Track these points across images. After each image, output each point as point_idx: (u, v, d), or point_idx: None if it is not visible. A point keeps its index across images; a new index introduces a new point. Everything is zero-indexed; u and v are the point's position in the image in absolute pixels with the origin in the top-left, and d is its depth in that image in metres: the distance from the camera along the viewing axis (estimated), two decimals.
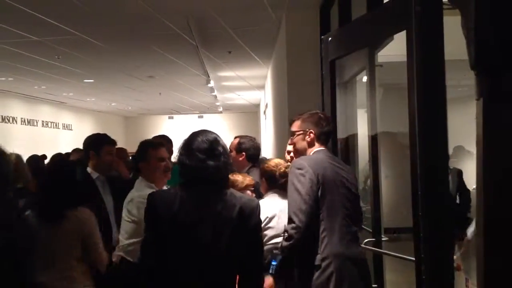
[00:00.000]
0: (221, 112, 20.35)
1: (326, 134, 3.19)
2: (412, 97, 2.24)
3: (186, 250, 2.24)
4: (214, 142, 2.34)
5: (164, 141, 4.35)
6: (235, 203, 2.29)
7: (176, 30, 7.21)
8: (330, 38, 3.09)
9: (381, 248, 3.70)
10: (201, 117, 20.98)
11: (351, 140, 4.69)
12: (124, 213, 3.37)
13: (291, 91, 5.78)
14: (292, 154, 4.70)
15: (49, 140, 15.28)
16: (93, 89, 13.64)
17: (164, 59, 9.42)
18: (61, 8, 6.07)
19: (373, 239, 3.78)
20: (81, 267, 3.14)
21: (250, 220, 2.29)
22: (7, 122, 13.75)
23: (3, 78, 11.34)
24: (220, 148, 2.34)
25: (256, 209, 2.34)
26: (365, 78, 4.40)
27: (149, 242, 2.31)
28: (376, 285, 3.77)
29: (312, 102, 5.52)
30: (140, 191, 3.32)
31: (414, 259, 2.25)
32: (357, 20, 3.32)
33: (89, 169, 4.08)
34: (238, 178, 3.76)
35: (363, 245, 3.47)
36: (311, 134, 3.15)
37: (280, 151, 7.76)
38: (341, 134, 4.84)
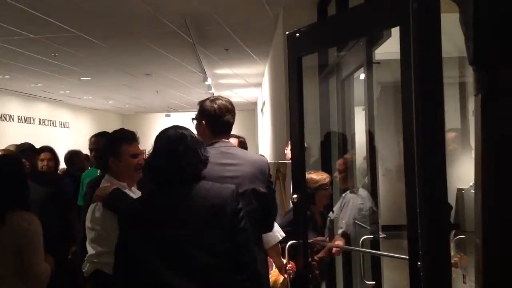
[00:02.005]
0: None
1: (223, 125, 2.77)
2: (407, 94, 2.23)
3: (163, 262, 2.10)
4: (179, 140, 2.22)
5: None
6: (205, 195, 2.18)
7: (173, 28, 7.19)
8: (297, 34, 3.03)
9: (379, 245, 3.69)
10: None
11: (348, 138, 4.69)
12: (87, 218, 2.90)
13: (287, 88, 5.76)
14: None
15: (46, 138, 15.24)
16: (90, 87, 13.61)
17: (161, 56, 9.40)
18: (58, 5, 6.05)
19: (371, 236, 3.78)
20: (16, 280, 2.85)
21: (225, 208, 2.16)
22: (3, 120, 13.71)
23: (0, 76, 11.30)
24: (182, 148, 2.20)
25: (231, 196, 2.19)
26: (362, 76, 4.40)
27: (120, 257, 2.19)
28: (374, 282, 3.77)
29: (309, 99, 5.51)
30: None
31: (407, 257, 2.25)
32: (326, 19, 3.29)
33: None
34: (313, 176, 3.69)
35: (360, 243, 3.48)
36: (202, 125, 2.77)
37: (277, 149, 7.76)
38: (338, 131, 4.83)
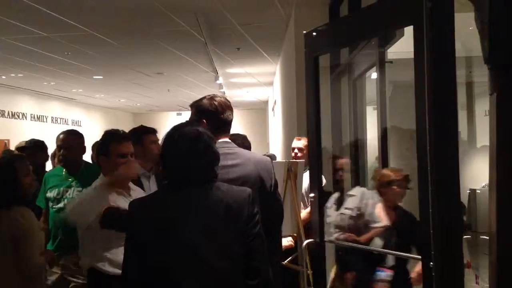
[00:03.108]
0: None
1: (224, 123, 2.69)
2: (420, 94, 2.22)
3: (175, 262, 2.04)
4: (196, 139, 2.13)
5: None
6: (221, 198, 2.10)
7: (185, 27, 7.21)
8: (314, 33, 3.02)
9: None
10: None
11: (360, 137, 4.68)
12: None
13: (300, 87, 5.76)
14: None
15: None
16: (102, 86, 13.68)
17: (173, 55, 9.43)
18: (70, 4, 6.09)
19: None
20: (13, 273, 2.96)
21: (241, 212, 2.09)
22: (17, 118, 13.82)
23: (13, 74, 11.39)
24: (202, 146, 2.13)
25: (247, 199, 2.12)
26: (374, 75, 4.39)
27: (132, 257, 2.11)
28: None
29: (321, 98, 5.50)
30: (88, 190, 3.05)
31: (419, 257, 2.24)
32: (340, 18, 3.28)
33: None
34: (385, 172, 3.67)
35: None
36: (204, 123, 2.64)
37: (288, 148, 7.75)
38: (349, 130, 4.82)
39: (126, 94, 15.94)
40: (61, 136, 3.99)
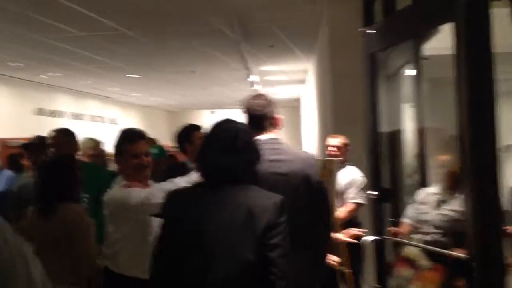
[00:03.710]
0: None
1: (263, 119, 2.69)
2: (460, 91, 2.18)
3: (193, 263, 1.98)
4: (235, 136, 2.08)
5: None
6: (245, 201, 2.00)
7: (218, 25, 7.24)
8: (369, 31, 3.01)
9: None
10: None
11: (396, 135, 4.61)
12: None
13: (335, 84, 5.72)
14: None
15: (95, 134, 15.62)
16: (137, 84, 13.86)
17: (206, 54, 9.48)
18: (107, 4, 6.18)
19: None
20: (65, 264, 2.95)
21: (261, 219, 1.95)
22: (55, 117, 14.14)
23: (52, 74, 11.65)
24: (240, 143, 2.07)
25: (272, 207, 1.99)
26: (410, 72, 4.32)
27: (160, 254, 2.08)
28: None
29: (355, 95, 5.45)
30: (111, 191, 3.01)
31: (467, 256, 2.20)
32: (397, 13, 3.24)
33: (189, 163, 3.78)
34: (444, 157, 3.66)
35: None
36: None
37: (322, 146, 7.72)
38: (385, 128, 4.75)
39: (161, 93, 16.12)
40: (52, 134, 3.96)
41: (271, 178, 2.44)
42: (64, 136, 3.99)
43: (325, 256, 2.81)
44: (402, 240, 3.58)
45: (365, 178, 4.38)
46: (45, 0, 5.83)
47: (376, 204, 3.02)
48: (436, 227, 3.70)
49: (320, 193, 2.64)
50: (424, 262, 3.46)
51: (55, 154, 3.87)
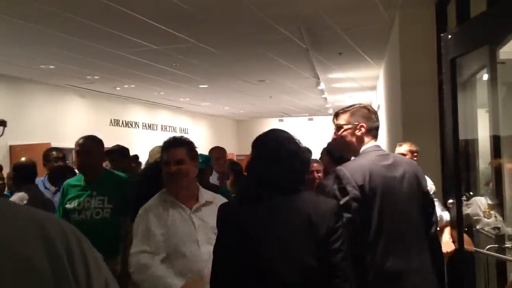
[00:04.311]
0: (331, 115, 20.22)
1: (376, 129, 2.82)
2: None
3: (253, 274, 2.01)
4: (281, 145, 2.11)
5: None
6: (303, 208, 2.03)
7: (287, 34, 7.29)
8: (450, 36, 2.94)
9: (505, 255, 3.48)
10: (311, 119, 20.98)
11: (470, 142, 4.47)
12: None
13: (405, 91, 5.62)
14: None
15: None
16: (207, 94, 14.15)
17: (275, 63, 9.56)
18: (179, 17, 6.38)
19: (496, 245, 3.58)
20: None
21: (322, 224, 1.99)
22: (130, 127, 14.68)
23: (126, 86, 12.11)
24: (286, 152, 2.09)
25: (330, 212, 2.04)
26: (485, 76, 4.17)
27: (219, 257, 2.10)
28: None
29: (426, 102, 5.33)
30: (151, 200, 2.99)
31: None
32: (479, 16, 3.15)
33: None
34: None
35: (485, 251, 3.30)
36: (362, 128, 2.75)
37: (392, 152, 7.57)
38: (460, 135, 4.61)
39: (229, 102, 16.36)
40: (80, 141, 3.80)
41: (388, 182, 2.55)
42: (93, 143, 3.84)
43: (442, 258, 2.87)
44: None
45: (433, 186, 4.32)
46: (122, 15, 6.09)
47: (458, 214, 2.94)
48: None
49: (427, 196, 2.71)
50: None
51: (84, 162, 3.72)
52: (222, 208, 2.21)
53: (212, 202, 2.84)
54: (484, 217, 3.82)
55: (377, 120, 2.82)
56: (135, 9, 5.94)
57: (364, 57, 9.20)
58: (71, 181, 3.87)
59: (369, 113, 2.79)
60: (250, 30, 7.16)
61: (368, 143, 2.73)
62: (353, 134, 2.76)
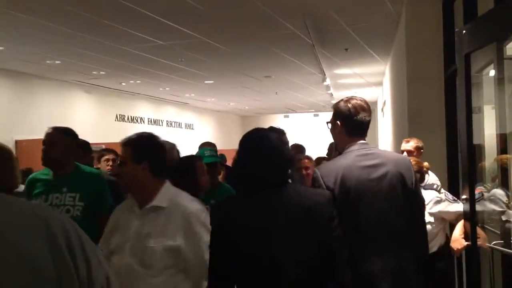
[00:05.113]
0: None
1: (360, 124, 2.62)
2: None
3: (256, 269, 2.05)
4: (263, 141, 2.17)
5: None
6: (300, 200, 2.10)
7: (293, 30, 7.28)
8: (464, 31, 2.90)
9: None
10: (317, 115, 20.94)
11: (476, 138, 4.45)
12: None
13: (411, 87, 5.60)
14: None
15: (172, 139, 16.06)
16: (213, 90, 14.16)
17: (281, 58, 9.55)
18: (185, 13, 6.38)
19: (502, 241, 3.56)
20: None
21: (322, 213, 2.09)
22: (136, 123, 14.72)
23: (132, 81, 12.14)
24: (268, 148, 2.14)
25: (326, 202, 2.13)
26: (492, 72, 4.15)
27: (214, 256, 2.12)
28: None
29: (432, 98, 5.32)
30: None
31: None
32: (493, 11, 3.12)
33: None
34: None
35: (492, 245, 3.29)
36: (338, 127, 2.64)
37: (398, 149, 7.58)
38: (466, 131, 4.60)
39: (235, 98, 16.37)
40: (47, 131, 3.53)
41: (367, 184, 2.45)
42: (60, 134, 3.47)
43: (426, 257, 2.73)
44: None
45: (438, 181, 4.34)
46: (127, 10, 6.09)
47: (472, 210, 2.92)
48: None
49: (415, 193, 2.60)
50: None
51: (47, 153, 3.41)
52: (215, 207, 2.26)
53: (164, 208, 2.57)
54: (510, 209, 3.80)
55: (362, 114, 2.62)
56: (141, 4, 5.95)
57: (370, 53, 9.17)
58: (37, 174, 3.61)
59: (344, 108, 2.63)
60: (256, 26, 7.15)
61: (353, 142, 2.61)
62: (334, 132, 2.70)
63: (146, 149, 2.64)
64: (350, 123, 2.62)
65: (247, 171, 2.16)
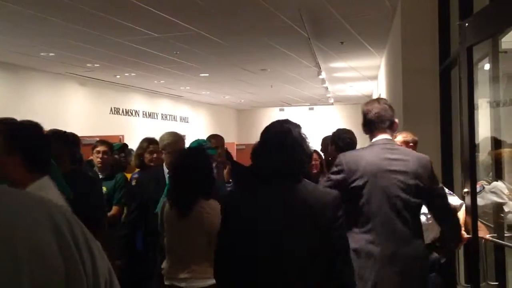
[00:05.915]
0: (332, 104, 20.17)
1: (372, 122, 3.01)
2: None
3: (256, 260, 2.12)
4: (285, 134, 2.18)
5: None
6: (305, 197, 2.13)
7: (289, 23, 7.26)
8: (467, 24, 2.90)
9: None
10: (312, 109, 20.93)
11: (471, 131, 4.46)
12: None
13: (406, 81, 5.60)
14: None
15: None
16: (208, 83, 14.13)
17: (276, 52, 9.53)
18: (180, 5, 6.35)
19: (495, 234, 3.58)
20: (204, 261, 2.91)
21: (323, 213, 2.10)
22: (130, 116, 14.67)
23: (127, 74, 12.09)
24: (290, 141, 2.16)
25: (332, 202, 2.14)
26: (487, 66, 4.16)
27: (223, 242, 2.20)
28: (497, 283, 3.57)
29: (427, 91, 5.32)
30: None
31: None
32: (496, 3, 3.11)
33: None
34: None
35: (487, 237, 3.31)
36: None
37: None
38: (460, 124, 4.62)
39: (230, 91, 16.34)
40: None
41: (387, 175, 2.78)
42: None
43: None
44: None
45: None
46: (122, 2, 6.06)
47: (473, 203, 2.93)
48: None
49: (433, 193, 2.91)
50: None
51: None
52: (225, 197, 2.39)
53: None
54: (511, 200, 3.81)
55: (379, 113, 2.96)
56: None
57: (365, 46, 9.17)
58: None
59: (366, 106, 3.02)
60: (251, 18, 7.13)
61: (378, 136, 2.97)
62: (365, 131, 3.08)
63: (16, 138, 2.36)
64: (368, 120, 3.03)
65: (267, 162, 2.21)
